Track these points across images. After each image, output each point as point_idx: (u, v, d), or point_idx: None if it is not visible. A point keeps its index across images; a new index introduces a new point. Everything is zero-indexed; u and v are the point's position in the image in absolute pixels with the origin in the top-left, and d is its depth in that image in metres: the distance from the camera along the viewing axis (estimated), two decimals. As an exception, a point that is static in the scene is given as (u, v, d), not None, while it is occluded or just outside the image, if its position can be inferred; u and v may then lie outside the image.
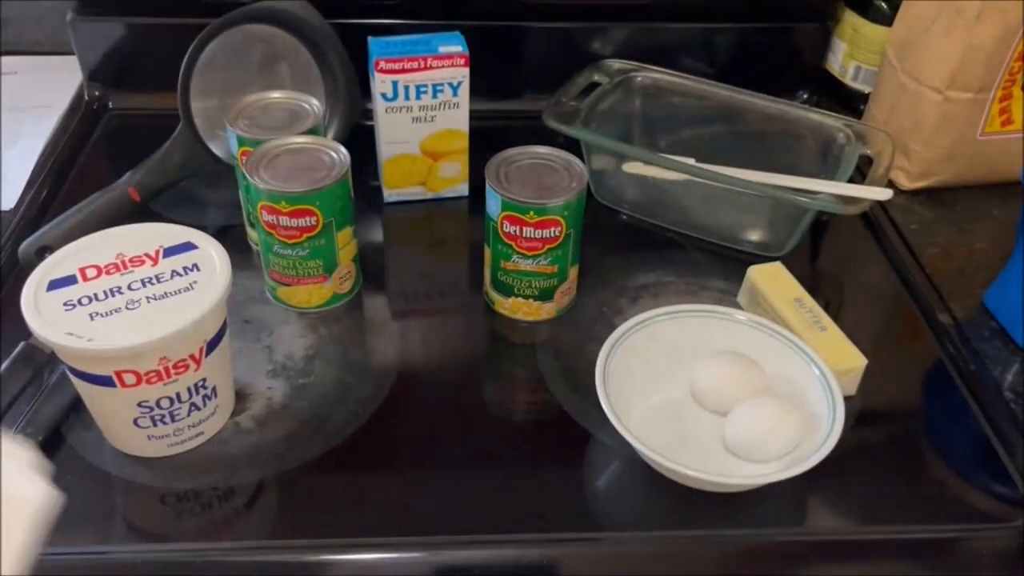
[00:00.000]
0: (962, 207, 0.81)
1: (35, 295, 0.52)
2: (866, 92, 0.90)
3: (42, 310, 0.51)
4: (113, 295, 0.52)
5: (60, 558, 0.51)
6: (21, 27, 0.97)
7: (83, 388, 0.54)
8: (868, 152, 0.74)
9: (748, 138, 0.81)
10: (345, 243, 0.66)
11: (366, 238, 0.76)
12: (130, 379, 0.52)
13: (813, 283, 0.73)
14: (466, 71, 0.74)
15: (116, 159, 0.85)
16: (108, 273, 0.54)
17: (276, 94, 0.70)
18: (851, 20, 0.89)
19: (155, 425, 0.55)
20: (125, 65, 0.88)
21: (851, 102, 0.92)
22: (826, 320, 0.64)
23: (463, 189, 0.81)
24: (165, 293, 0.53)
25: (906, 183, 0.82)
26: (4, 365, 0.56)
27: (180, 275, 0.54)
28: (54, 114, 0.88)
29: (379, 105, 0.74)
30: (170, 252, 0.56)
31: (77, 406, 0.58)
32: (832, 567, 0.54)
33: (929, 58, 0.76)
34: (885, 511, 0.56)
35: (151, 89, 0.88)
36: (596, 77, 0.81)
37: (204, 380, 0.55)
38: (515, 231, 0.63)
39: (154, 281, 0.54)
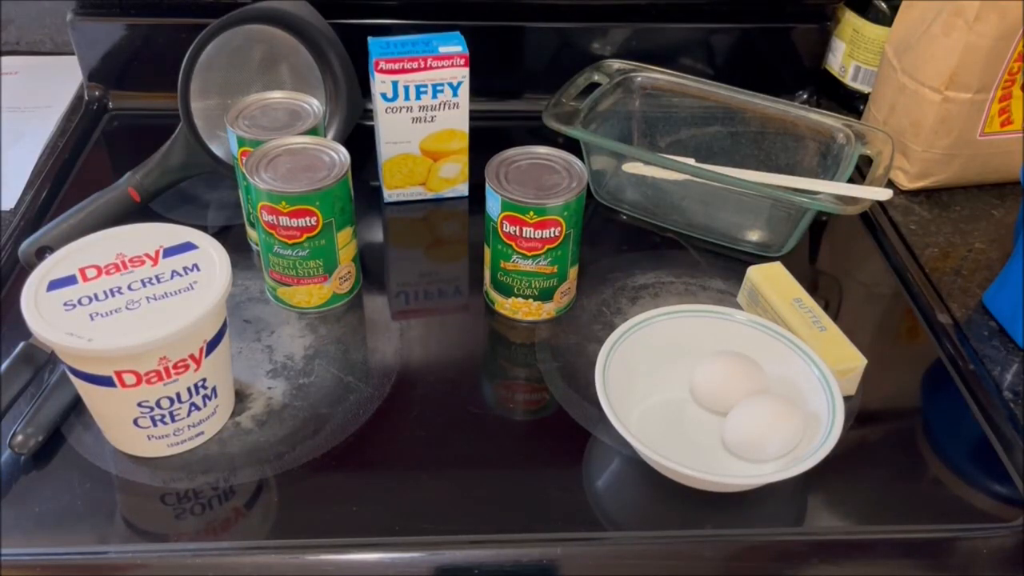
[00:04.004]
0: (961, 207, 0.81)
1: (35, 295, 0.52)
2: (866, 92, 0.90)
3: (42, 310, 0.51)
4: (113, 295, 0.52)
5: (60, 558, 0.52)
6: (21, 27, 0.97)
7: (83, 388, 0.54)
8: (868, 152, 0.74)
9: (748, 138, 0.81)
10: (345, 243, 0.66)
11: (366, 238, 0.76)
12: (130, 379, 0.52)
13: (813, 283, 0.73)
14: (466, 71, 0.74)
15: (116, 159, 0.85)
16: (108, 273, 0.54)
17: (276, 94, 0.70)
18: (851, 20, 0.89)
19: (155, 425, 0.55)
20: (125, 65, 0.88)
21: (851, 102, 0.92)
22: (826, 320, 0.64)
23: (463, 189, 0.81)
24: (165, 293, 0.53)
25: (905, 183, 0.82)
26: (4, 365, 0.56)
27: (180, 275, 0.54)
28: (54, 114, 0.88)
29: (379, 105, 0.74)
30: (170, 252, 0.56)
31: (77, 406, 0.59)
32: (832, 567, 0.54)
33: (928, 58, 0.76)
34: (885, 511, 0.56)
35: (151, 89, 0.88)
36: (596, 77, 0.82)
37: (204, 380, 0.55)
38: (515, 231, 0.63)
39: (154, 281, 0.54)
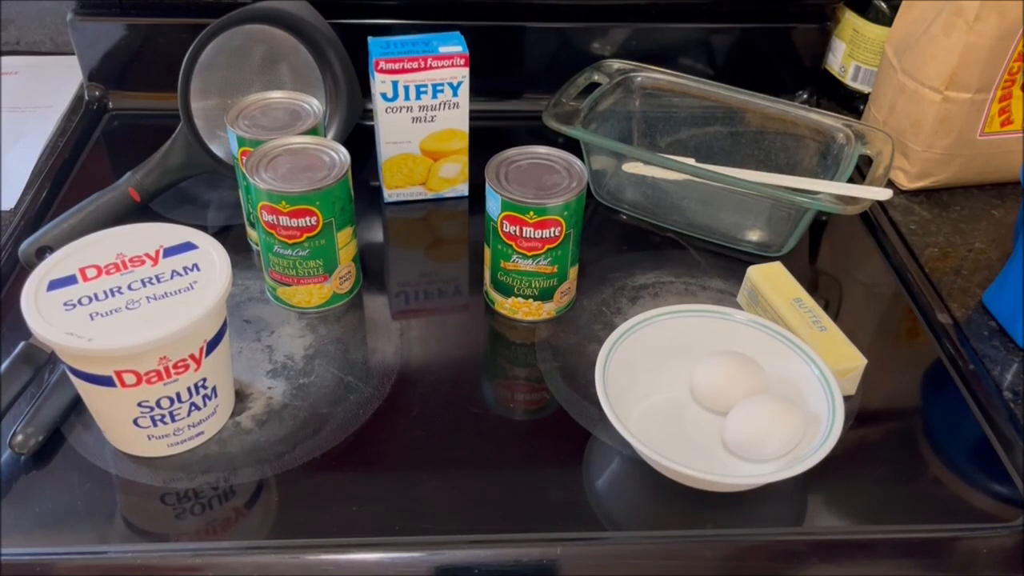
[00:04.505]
0: (961, 207, 0.81)
1: (35, 295, 0.52)
2: (866, 92, 0.90)
3: (42, 310, 0.51)
4: (113, 295, 0.52)
5: (60, 558, 0.52)
6: (21, 27, 0.97)
7: (83, 388, 0.54)
8: (868, 152, 0.74)
9: (748, 138, 0.81)
10: (345, 243, 0.66)
11: (366, 238, 0.77)
12: (130, 379, 0.52)
13: (813, 283, 0.73)
14: (466, 71, 0.74)
15: (116, 159, 0.85)
16: (108, 273, 0.54)
17: (276, 94, 0.70)
18: (851, 20, 0.89)
19: (155, 425, 0.55)
20: (125, 65, 0.88)
21: (851, 102, 0.92)
22: (826, 320, 0.64)
23: (463, 189, 0.81)
24: (165, 293, 0.53)
25: (905, 183, 0.82)
26: (4, 365, 0.56)
27: (180, 275, 0.54)
28: (54, 114, 0.88)
29: (379, 105, 0.74)
30: (170, 252, 0.56)
31: (77, 406, 0.59)
32: (832, 567, 0.54)
33: (928, 58, 0.76)
34: (885, 511, 0.56)
35: (151, 89, 0.88)
36: (596, 77, 0.81)
37: (204, 380, 0.55)
38: (515, 231, 0.63)
39: (154, 281, 0.54)
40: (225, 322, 0.56)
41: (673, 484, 0.55)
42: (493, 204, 0.63)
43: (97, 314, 0.51)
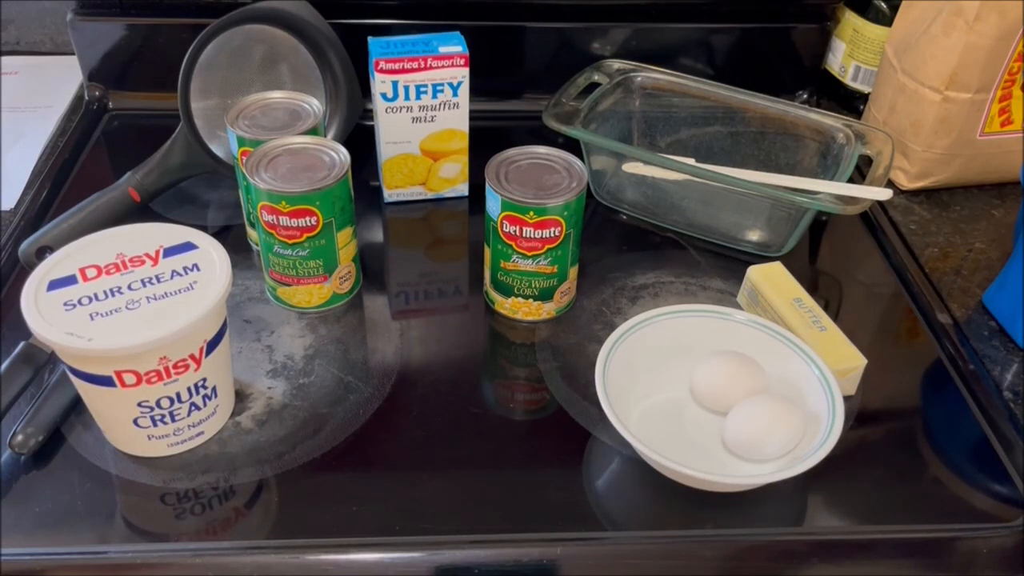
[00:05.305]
0: (961, 207, 0.81)
1: (35, 295, 0.52)
2: (866, 92, 0.90)
3: (42, 310, 0.51)
4: (113, 295, 0.52)
5: (60, 558, 0.52)
6: (21, 27, 0.97)
7: (83, 388, 0.54)
8: (868, 152, 0.74)
9: (748, 138, 0.81)
10: (345, 243, 0.66)
11: (366, 238, 0.77)
12: (130, 379, 0.52)
13: (813, 283, 0.73)
14: (466, 71, 0.74)
15: (116, 159, 0.85)
16: (108, 273, 0.54)
17: (276, 94, 0.70)
18: (851, 20, 0.89)
19: (155, 425, 0.55)
20: (125, 65, 0.88)
21: (851, 102, 0.92)
22: (826, 320, 0.64)
23: (463, 189, 0.81)
24: (165, 293, 0.53)
25: (905, 183, 0.82)
26: (4, 365, 0.56)
27: (180, 275, 0.54)
28: (54, 114, 0.88)
29: (379, 105, 0.74)
30: (170, 252, 0.56)
31: (77, 406, 0.59)
32: (832, 567, 0.54)
33: (928, 58, 0.76)
34: (885, 511, 0.56)
35: (151, 89, 0.88)
36: (596, 77, 0.82)
37: (204, 380, 0.55)
38: (515, 231, 0.63)
39: (154, 281, 0.54)
40: (225, 322, 0.56)
41: (673, 484, 0.55)
42: (493, 204, 0.63)
43: (97, 314, 0.51)
